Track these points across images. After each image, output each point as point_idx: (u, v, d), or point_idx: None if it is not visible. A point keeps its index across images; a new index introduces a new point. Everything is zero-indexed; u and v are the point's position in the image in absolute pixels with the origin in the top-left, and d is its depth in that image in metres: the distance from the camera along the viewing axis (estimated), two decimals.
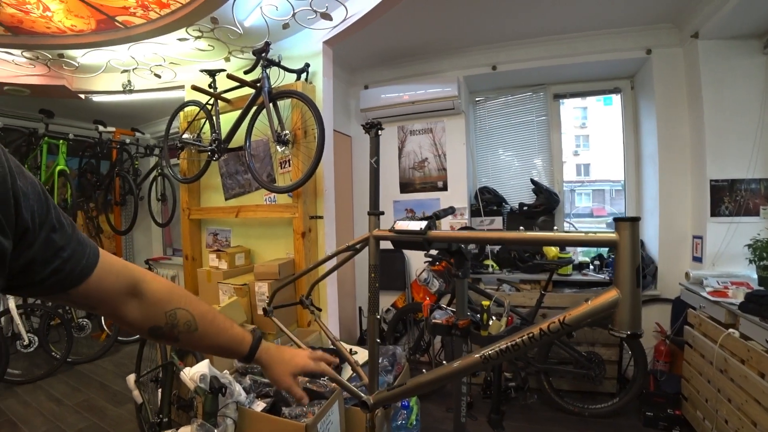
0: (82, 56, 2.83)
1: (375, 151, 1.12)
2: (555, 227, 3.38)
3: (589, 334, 2.74)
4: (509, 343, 0.80)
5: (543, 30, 3.06)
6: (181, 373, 1.96)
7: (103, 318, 3.94)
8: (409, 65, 3.50)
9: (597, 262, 3.07)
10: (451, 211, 1.36)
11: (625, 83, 3.39)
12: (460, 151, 3.46)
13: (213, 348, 0.78)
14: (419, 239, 1.00)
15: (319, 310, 1.49)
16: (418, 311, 3.18)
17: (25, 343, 3.36)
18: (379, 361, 2.56)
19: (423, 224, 1.00)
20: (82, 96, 3.38)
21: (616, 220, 0.70)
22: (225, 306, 2.37)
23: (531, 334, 0.78)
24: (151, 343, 2.69)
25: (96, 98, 3.47)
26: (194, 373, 1.86)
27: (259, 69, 2.50)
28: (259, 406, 1.96)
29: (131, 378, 2.51)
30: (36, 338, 3.43)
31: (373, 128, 1.11)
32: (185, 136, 3.03)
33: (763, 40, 2.62)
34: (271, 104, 2.45)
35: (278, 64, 2.56)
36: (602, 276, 2.98)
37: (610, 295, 0.71)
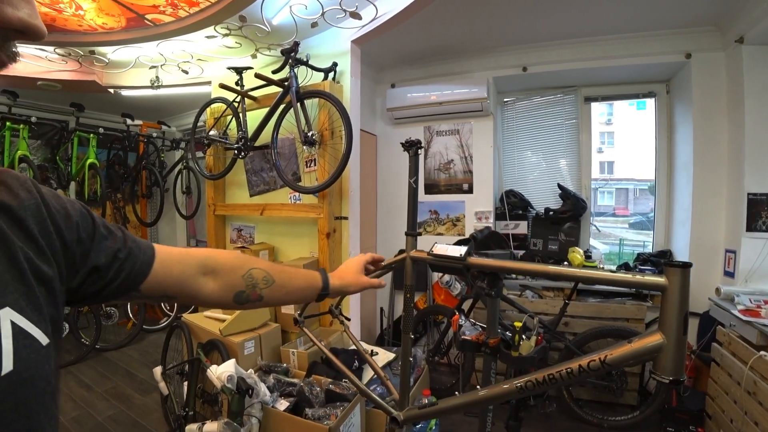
0: (112, 53, 2.87)
1: (414, 170, 1.11)
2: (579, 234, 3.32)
3: (611, 344, 2.69)
4: (547, 376, 0.80)
5: (576, 31, 2.96)
6: (208, 371, 2.01)
7: (129, 306, 4.05)
8: (437, 65, 3.44)
9: (623, 271, 2.99)
10: (486, 231, 1.33)
11: (661, 87, 3.26)
12: (487, 154, 3.40)
13: (293, 294, 0.83)
14: (458, 265, 0.99)
15: (348, 320, 1.49)
16: (439, 313, 3.17)
17: None
18: (399, 363, 2.58)
19: (462, 250, 0.98)
20: (112, 91, 3.44)
21: (666, 264, 0.68)
22: None
23: (569, 369, 0.77)
24: (177, 334, 2.75)
25: (125, 93, 3.52)
26: (221, 372, 1.90)
27: (287, 68, 2.49)
28: (282, 405, 2.00)
29: (158, 370, 2.58)
30: (66, 325, 3.55)
31: (412, 147, 1.09)
32: (212, 132, 3.05)
33: None
34: (298, 104, 2.45)
35: (306, 63, 2.55)
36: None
37: (655, 339, 0.69)
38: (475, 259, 1.00)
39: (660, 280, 0.68)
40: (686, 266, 0.65)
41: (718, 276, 2.81)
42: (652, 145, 3.36)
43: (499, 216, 3.41)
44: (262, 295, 0.76)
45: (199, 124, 3.26)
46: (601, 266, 3.13)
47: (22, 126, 3.42)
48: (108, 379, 3.28)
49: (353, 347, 2.51)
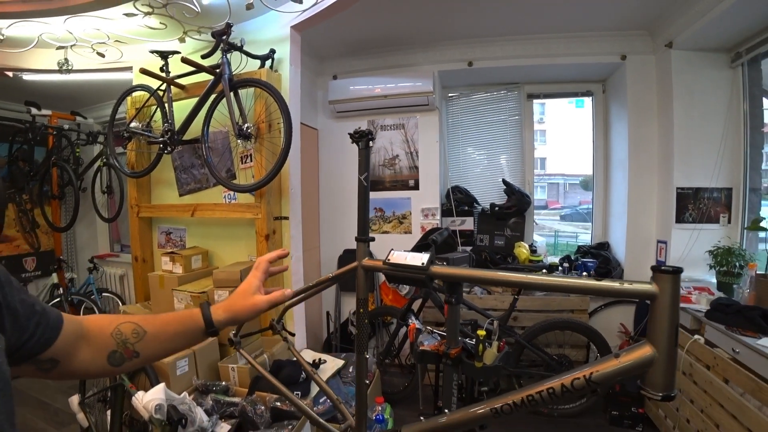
0: (7, 27, 2.45)
1: (365, 165, 0.97)
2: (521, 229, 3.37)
3: (559, 336, 2.75)
4: (525, 397, 0.71)
5: (521, 28, 2.99)
6: (134, 398, 1.74)
7: None
8: (382, 56, 3.33)
9: (566, 264, 3.08)
10: (446, 233, 1.23)
11: (597, 87, 3.40)
12: (433, 149, 3.35)
13: (172, 341, 0.74)
14: (421, 276, 0.87)
15: (293, 335, 1.33)
16: (388, 314, 3.08)
17: None
18: (350, 370, 2.44)
19: (425, 258, 0.86)
20: (10, 74, 2.97)
21: (655, 269, 0.62)
22: None
23: (551, 390, 0.69)
24: None
25: (27, 77, 3.07)
26: (148, 401, 1.65)
27: (218, 53, 2.25)
28: (224, 428, 1.79)
29: (74, 399, 2.25)
30: None
31: (363, 138, 0.96)
32: (133, 124, 2.73)
33: (731, 54, 2.70)
34: (231, 93, 2.23)
35: (240, 49, 2.33)
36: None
37: (644, 352, 0.63)
38: (438, 269, 0.88)
39: (649, 287, 0.62)
40: (677, 272, 0.59)
41: (650, 265, 2.94)
42: (586, 142, 3.50)
43: (445, 212, 3.38)
44: (137, 351, 0.68)
45: (118, 114, 2.90)
46: (546, 260, 3.19)
47: None
48: (16, 410, 2.82)
49: (295, 360, 2.34)
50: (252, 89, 2.40)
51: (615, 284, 0.69)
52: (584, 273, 2.96)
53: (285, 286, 2.63)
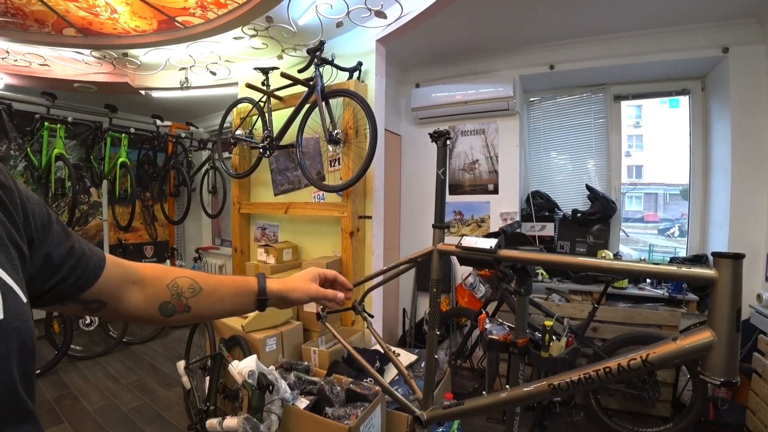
0: (144, 55, 2.96)
1: (443, 161, 1.08)
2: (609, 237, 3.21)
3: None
4: (582, 375, 0.75)
5: (604, 27, 2.87)
6: (230, 366, 2.02)
7: None
8: (463, 64, 3.41)
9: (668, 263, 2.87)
10: (516, 225, 1.30)
11: (695, 84, 3.12)
12: (513, 154, 3.34)
13: (225, 301, 0.76)
14: (489, 258, 0.95)
15: (372, 316, 1.47)
16: (462, 316, 3.12)
17: (86, 322, 3.60)
18: (422, 365, 2.54)
19: (493, 242, 0.95)
20: (143, 92, 3.53)
21: (716, 255, 0.63)
22: None
23: (608, 369, 0.73)
24: (200, 330, 2.79)
25: (155, 94, 3.62)
26: (243, 367, 1.91)
27: (312, 68, 2.51)
28: (303, 403, 1.99)
29: (181, 364, 2.62)
30: (96, 318, 3.66)
31: (441, 138, 1.07)
32: (238, 132, 3.10)
33: None
34: (323, 103, 2.46)
35: (331, 63, 2.56)
36: (660, 291, 2.78)
37: (703, 336, 0.65)
38: (505, 252, 0.96)
39: (709, 272, 0.64)
40: (738, 257, 0.61)
41: (759, 281, 2.65)
42: (685, 146, 3.22)
43: (525, 217, 3.34)
44: (189, 305, 0.70)
45: (225, 124, 3.33)
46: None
47: (59, 126, 3.57)
48: (133, 371, 3.36)
49: (375, 347, 2.50)
50: (341, 98, 2.63)
51: (673, 268, 0.71)
52: (676, 285, 2.75)
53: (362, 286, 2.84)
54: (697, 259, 2.95)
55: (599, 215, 3.09)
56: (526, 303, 1.18)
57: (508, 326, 1.63)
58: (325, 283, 0.89)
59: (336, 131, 2.47)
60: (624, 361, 0.69)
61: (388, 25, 2.52)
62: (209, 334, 2.56)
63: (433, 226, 1.10)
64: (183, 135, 4.29)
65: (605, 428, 2.52)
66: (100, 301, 0.61)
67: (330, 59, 2.55)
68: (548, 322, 1.13)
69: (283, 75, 2.53)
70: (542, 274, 3.10)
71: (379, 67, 2.70)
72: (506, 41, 3.13)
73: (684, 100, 3.22)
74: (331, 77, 2.66)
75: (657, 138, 3.39)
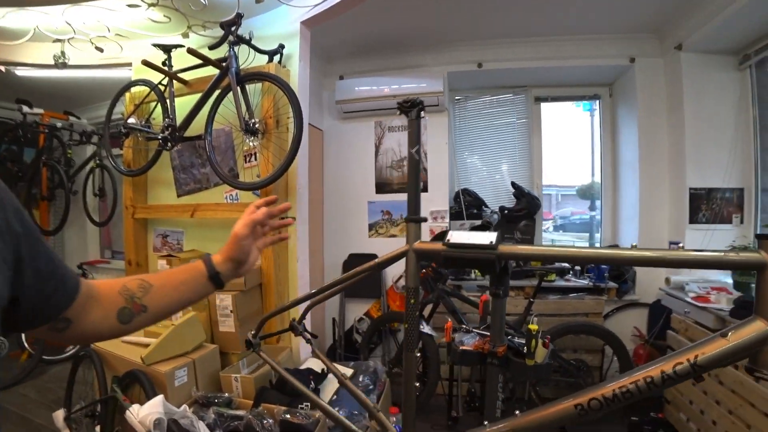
0: (2, 17, 2.34)
1: (417, 138, 0.89)
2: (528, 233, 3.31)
3: (574, 341, 2.67)
4: (618, 390, 0.61)
5: (531, 30, 2.97)
6: (128, 413, 1.59)
7: (24, 335, 3.35)
8: (390, 57, 3.28)
9: (578, 268, 3.02)
10: (493, 218, 1.14)
11: (604, 90, 3.40)
12: (442, 151, 3.29)
13: (177, 290, 0.74)
14: (490, 256, 0.77)
15: (316, 337, 1.22)
16: (396, 321, 2.96)
17: None
18: (360, 379, 2.31)
19: (492, 236, 0.77)
20: (2, 68, 2.84)
21: (761, 237, 0.56)
22: (180, 323, 2.00)
23: (649, 379, 0.60)
24: (87, 365, 2.24)
25: (20, 72, 2.97)
26: (146, 415, 1.51)
27: (225, 46, 2.17)
28: None
29: (59, 414, 2.08)
30: None
31: (414, 108, 0.87)
32: (131, 120, 2.61)
33: (738, 57, 2.71)
34: (239, 88, 2.14)
35: (249, 43, 2.25)
36: (584, 282, 2.94)
37: (757, 328, 0.56)
38: (508, 248, 0.79)
39: (756, 256, 0.56)
40: None
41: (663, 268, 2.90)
42: (584, 149, 3.50)
43: (454, 216, 3.30)
44: (144, 304, 0.68)
45: (114, 115, 2.79)
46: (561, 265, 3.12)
47: None
48: None
49: (305, 366, 2.20)
50: (258, 85, 2.33)
51: (719, 255, 0.64)
52: (598, 275, 2.91)
53: (291, 288, 2.53)
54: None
55: (525, 211, 3.17)
56: (504, 306, 1.02)
57: (480, 334, 1.49)
58: (257, 229, 0.83)
59: (253, 120, 2.15)
60: (668, 367, 0.58)
61: (315, 5, 2.30)
62: (97, 370, 2.02)
63: (407, 220, 0.90)
64: (60, 125, 3.55)
65: None
66: (67, 319, 0.60)
67: (248, 38, 2.24)
68: (533, 327, 0.99)
69: (191, 52, 2.16)
70: (475, 273, 3.07)
71: (303, 52, 2.46)
72: (436, 36, 3.09)
73: (595, 105, 3.47)
74: (248, 60, 2.32)
75: (554, 140, 3.57)
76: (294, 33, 2.42)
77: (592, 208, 3.62)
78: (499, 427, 0.78)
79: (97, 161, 3.48)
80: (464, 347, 1.03)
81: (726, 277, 2.61)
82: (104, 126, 2.82)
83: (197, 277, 0.75)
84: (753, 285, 2.32)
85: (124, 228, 2.86)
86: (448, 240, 0.82)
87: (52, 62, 2.72)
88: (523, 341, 1.00)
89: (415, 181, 0.91)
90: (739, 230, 2.70)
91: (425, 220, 0.93)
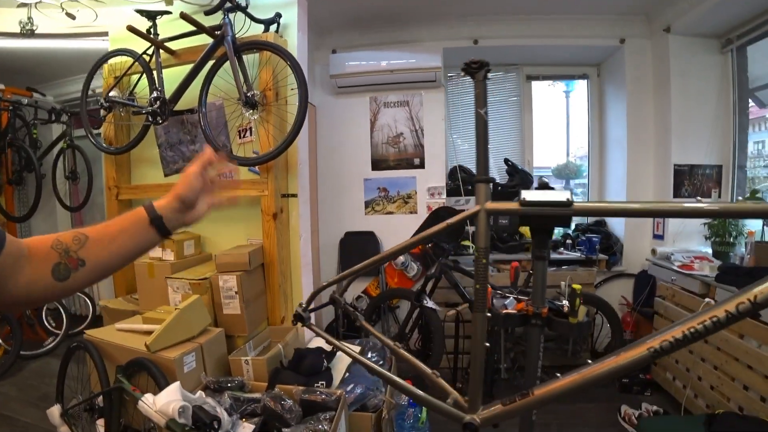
0: None
1: (484, 99, 0.86)
2: None
3: None
4: (687, 331, 0.63)
5: (526, 7, 2.97)
6: (141, 403, 1.49)
7: None
8: (385, 31, 3.19)
9: (569, 241, 3.12)
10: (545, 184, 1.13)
11: (592, 70, 3.48)
12: (439, 126, 3.27)
13: (115, 240, 0.66)
14: (566, 213, 0.77)
15: (358, 310, 1.18)
16: (399, 297, 2.97)
17: None
18: (369, 356, 2.31)
19: (567, 194, 0.77)
20: None
21: None
22: (184, 307, 1.89)
23: (714, 318, 0.62)
24: (78, 359, 2.10)
25: None
26: (166, 403, 1.41)
27: (220, 13, 2.05)
28: (248, 429, 1.58)
29: (55, 411, 1.95)
30: None
31: (481, 69, 0.84)
32: (113, 93, 2.43)
33: (721, 41, 2.84)
34: (235, 58, 2.03)
35: (244, 10, 2.13)
36: (576, 254, 3.05)
37: None
38: (581, 204, 0.79)
39: None
40: None
41: (647, 240, 3.07)
42: (562, 131, 3.63)
43: (450, 192, 3.31)
44: (81, 258, 0.62)
45: (89, 92, 2.59)
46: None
47: None
48: None
49: (316, 345, 2.16)
50: (256, 55, 2.21)
51: None
52: (589, 248, 3.02)
53: (293, 269, 2.47)
54: (598, 224, 3.30)
55: (519, 188, 3.21)
56: (545, 269, 1.03)
57: (517, 298, 1.51)
58: (207, 177, 0.75)
59: (252, 92, 2.05)
60: (731, 306, 0.59)
61: None
62: (95, 361, 1.88)
63: (477, 181, 0.88)
64: (26, 101, 3.24)
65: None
66: None
67: (244, 5, 2.12)
68: (577, 286, 1.01)
69: (184, 17, 2.02)
70: (472, 247, 3.11)
71: (301, 22, 2.37)
72: (433, 11, 3.02)
73: (581, 84, 3.55)
74: (243, 29, 2.20)
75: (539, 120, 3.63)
76: (292, 1, 2.31)
77: (566, 187, 3.74)
78: (573, 378, 0.79)
79: (68, 141, 3.23)
80: (507, 311, 1.05)
81: (705, 248, 2.78)
82: (81, 101, 2.61)
83: (137, 222, 0.68)
84: (732, 254, 2.50)
85: (107, 211, 2.69)
86: (524, 198, 0.81)
87: (17, 30, 2.48)
88: (560, 303, 1.03)
89: (483, 140, 0.89)
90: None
91: (494, 180, 0.92)
